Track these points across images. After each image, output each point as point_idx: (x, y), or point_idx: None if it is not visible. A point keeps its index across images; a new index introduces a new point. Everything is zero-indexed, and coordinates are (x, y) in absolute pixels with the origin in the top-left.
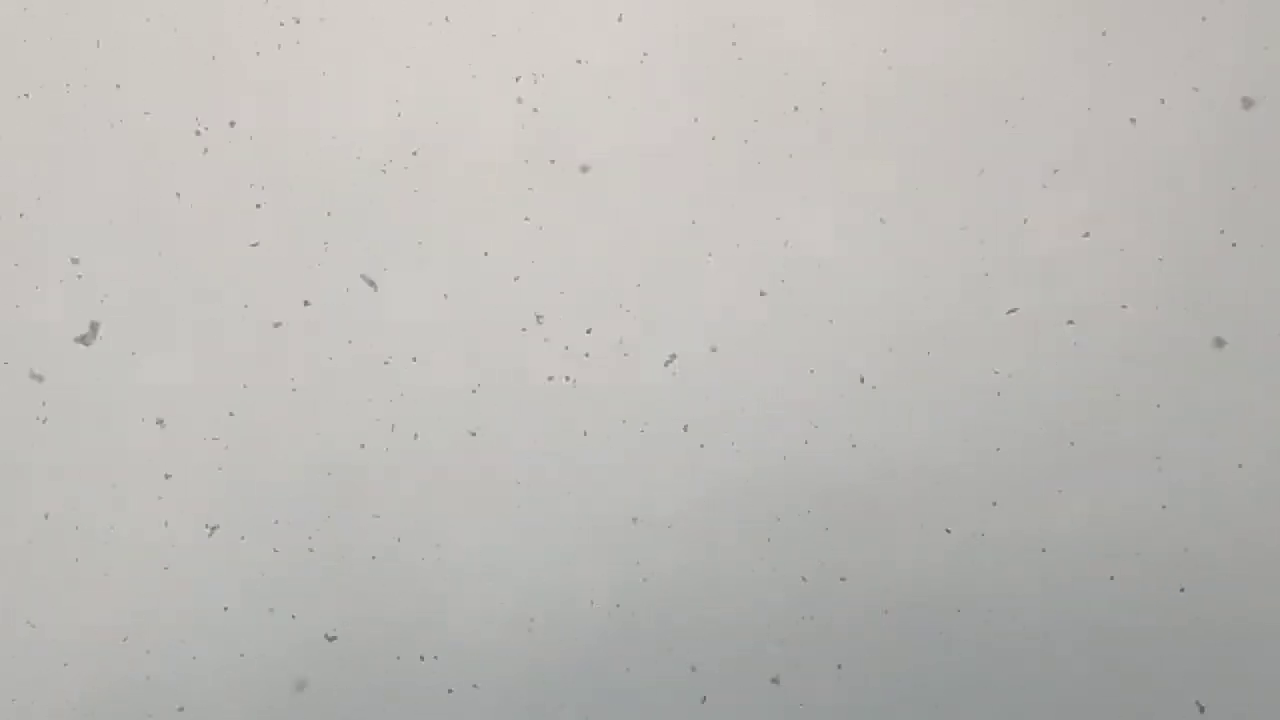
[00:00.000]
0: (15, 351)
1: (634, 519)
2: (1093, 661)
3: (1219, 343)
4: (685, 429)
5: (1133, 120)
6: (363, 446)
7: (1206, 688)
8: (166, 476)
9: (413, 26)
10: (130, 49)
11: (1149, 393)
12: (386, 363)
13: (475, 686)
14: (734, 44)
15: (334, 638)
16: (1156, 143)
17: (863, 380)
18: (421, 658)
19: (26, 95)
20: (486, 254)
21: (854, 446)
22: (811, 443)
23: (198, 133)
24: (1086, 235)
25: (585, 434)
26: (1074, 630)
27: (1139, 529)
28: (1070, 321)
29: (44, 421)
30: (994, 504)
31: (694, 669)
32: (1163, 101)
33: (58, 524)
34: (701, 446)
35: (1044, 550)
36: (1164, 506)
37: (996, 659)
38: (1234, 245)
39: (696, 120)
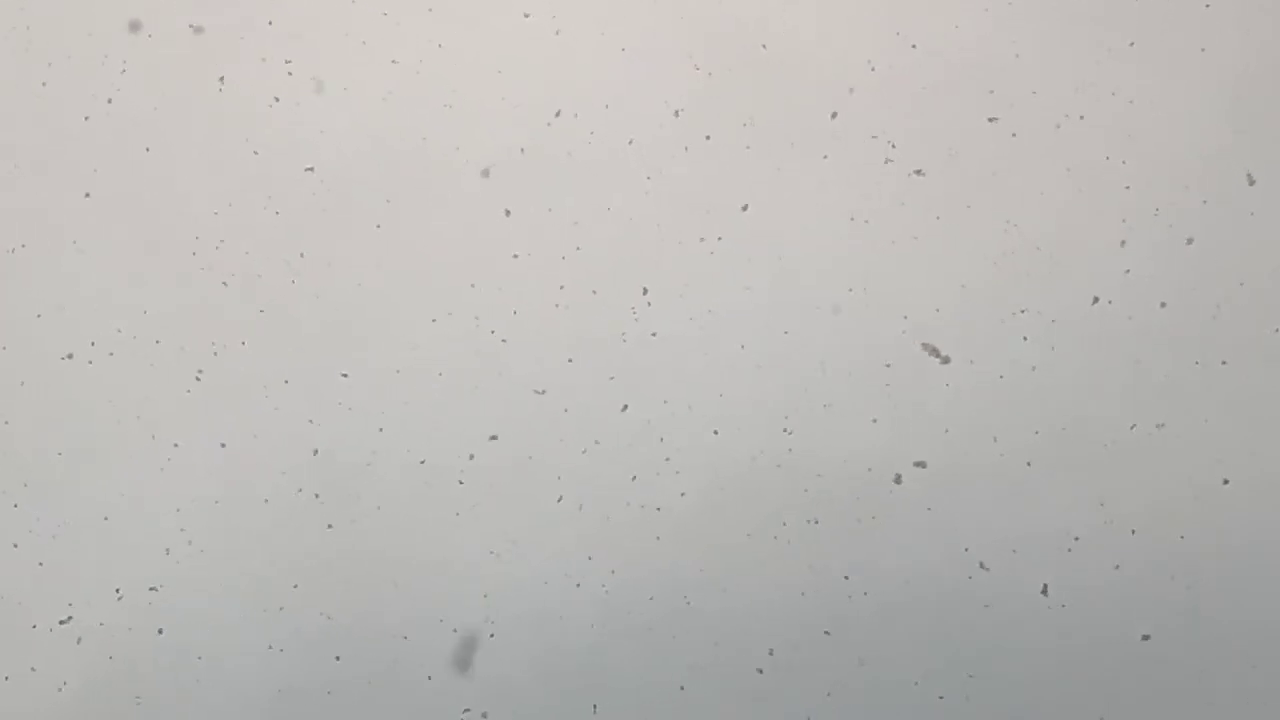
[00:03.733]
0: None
1: (633, 519)
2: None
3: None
4: (683, 428)
5: (1149, 117)
6: (362, 449)
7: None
8: (165, 471)
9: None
10: None
11: (1163, 391)
12: (394, 369)
13: (473, 686)
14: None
15: (327, 637)
16: (1164, 138)
17: (869, 378)
18: (414, 661)
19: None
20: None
21: (857, 445)
22: (813, 440)
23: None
24: (1097, 233)
25: (583, 434)
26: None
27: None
28: (1086, 317)
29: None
30: (998, 502)
31: (691, 667)
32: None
33: (63, 518)
34: (698, 454)
35: (1048, 548)
36: (1175, 502)
37: (999, 659)
38: (1247, 219)
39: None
